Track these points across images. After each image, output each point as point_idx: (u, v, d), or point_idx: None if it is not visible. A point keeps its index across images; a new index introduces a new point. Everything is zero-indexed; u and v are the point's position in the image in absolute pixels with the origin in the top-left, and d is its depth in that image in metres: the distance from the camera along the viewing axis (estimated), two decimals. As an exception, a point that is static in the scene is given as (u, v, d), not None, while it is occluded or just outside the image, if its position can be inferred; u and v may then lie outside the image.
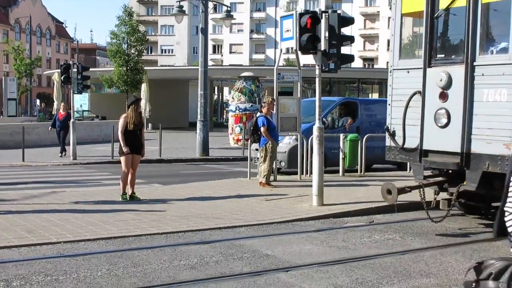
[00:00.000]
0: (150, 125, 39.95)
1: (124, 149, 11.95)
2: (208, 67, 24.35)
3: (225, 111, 59.35)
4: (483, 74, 8.88)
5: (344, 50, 11.64)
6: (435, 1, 9.54)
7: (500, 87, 8.62)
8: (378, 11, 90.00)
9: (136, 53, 44.32)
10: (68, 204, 11.52)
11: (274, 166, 14.83)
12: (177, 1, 25.80)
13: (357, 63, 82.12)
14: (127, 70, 43.04)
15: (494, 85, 8.70)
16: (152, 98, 41.97)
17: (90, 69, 27.42)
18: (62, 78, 21.66)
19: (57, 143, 22.58)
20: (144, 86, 41.92)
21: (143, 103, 35.62)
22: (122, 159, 12.07)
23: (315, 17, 10.99)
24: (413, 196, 10.04)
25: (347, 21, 11.87)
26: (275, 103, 14.80)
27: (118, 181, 12.53)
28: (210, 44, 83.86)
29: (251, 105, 27.04)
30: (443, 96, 9.36)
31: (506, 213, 4.15)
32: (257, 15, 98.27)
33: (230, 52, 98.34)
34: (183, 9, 24.81)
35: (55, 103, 37.50)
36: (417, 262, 7.77)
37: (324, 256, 8.04)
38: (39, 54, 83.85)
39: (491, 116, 8.77)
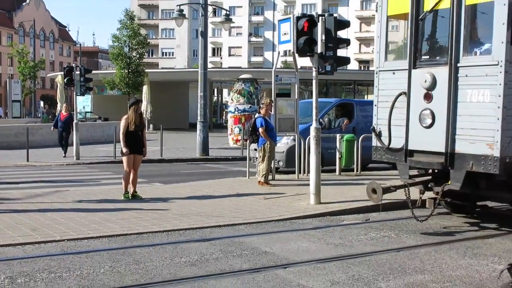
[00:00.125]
0: (151, 126, 39.93)
1: (124, 150, 11.99)
2: (208, 69, 24.36)
3: (224, 112, 59.37)
4: (466, 75, 8.81)
5: (340, 52, 11.61)
6: (420, 3, 9.44)
7: (483, 88, 8.55)
8: (374, 15, 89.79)
9: (138, 56, 44.31)
10: (71, 203, 11.52)
11: (272, 165, 14.84)
12: (177, 5, 25.80)
13: (353, 65, 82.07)
14: (129, 72, 43.02)
15: (478, 86, 8.64)
16: (153, 100, 41.97)
17: (93, 72, 27.37)
18: (65, 80, 21.61)
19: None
20: (145, 88, 41.93)
21: (144, 104, 35.64)
22: (124, 159, 12.07)
23: (312, 21, 11.00)
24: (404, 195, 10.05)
25: (343, 24, 11.86)
26: (273, 104, 14.82)
27: (120, 180, 12.54)
28: (210, 47, 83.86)
29: (250, 107, 27.05)
30: (428, 97, 9.29)
31: None
32: (255, 18, 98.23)
33: (229, 55, 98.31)
34: (183, 13, 24.81)
35: (59, 105, 37.45)
36: (412, 259, 7.77)
37: (321, 253, 8.04)
38: (43, 57, 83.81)
39: (475, 117, 8.70)
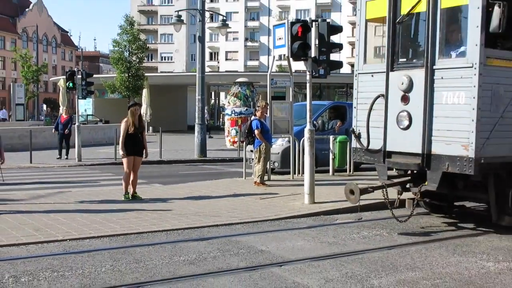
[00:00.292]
0: (151, 128, 39.85)
1: (121, 152, 12.00)
2: (205, 73, 24.36)
3: (221, 114, 59.32)
4: (442, 78, 8.71)
5: (333, 56, 11.61)
6: (397, 6, 9.32)
7: (458, 90, 8.47)
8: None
9: (137, 60, 44.25)
10: (73, 203, 11.50)
11: (268, 166, 14.84)
12: (175, 11, 25.78)
13: (346, 69, 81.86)
14: (129, 76, 42.96)
15: (453, 88, 8.55)
16: (153, 103, 41.91)
17: (94, 76, 27.33)
18: (67, 84, 21.59)
19: (63, 146, 22.34)
20: (145, 92, 41.86)
21: (144, 107, 35.58)
22: (124, 160, 12.05)
23: (305, 26, 11.01)
24: (393, 194, 10.05)
25: (336, 29, 11.86)
26: (268, 107, 14.82)
27: (120, 181, 12.51)
28: (207, 51, 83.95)
29: (246, 109, 27.00)
30: (405, 99, 9.18)
31: None
32: (251, 24, 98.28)
33: (226, 59, 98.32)
34: (182, 18, 24.76)
35: (61, 108, 37.38)
36: (403, 256, 7.78)
37: (315, 251, 8.03)
38: (46, 61, 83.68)
39: (450, 118, 8.60)
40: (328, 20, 11.48)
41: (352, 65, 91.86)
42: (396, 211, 9.65)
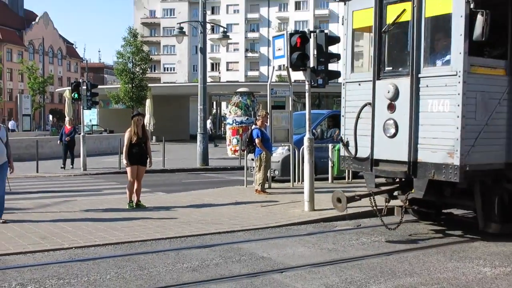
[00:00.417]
0: (154, 137, 39.83)
1: (124, 161, 12.01)
2: (207, 83, 24.37)
3: (223, 124, 59.33)
4: (427, 86, 8.61)
5: (332, 66, 11.60)
6: (382, 16, 9.24)
7: (443, 97, 8.36)
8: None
9: (141, 71, 44.31)
10: (78, 212, 11.49)
11: (268, 174, 14.83)
12: (178, 23, 25.84)
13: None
14: (133, 87, 43.01)
15: (438, 96, 8.43)
16: (156, 113, 41.87)
17: (99, 87, 27.39)
18: (72, 95, 21.59)
19: (68, 155, 22.33)
20: (148, 102, 41.82)
21: (147, 117, 35.58)
22: (128, 169, 12.05)
23: (304, 37, 11.01)
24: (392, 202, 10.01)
25: (334, 40, 11.86)
26: (268, 116, 14.82)
27: (125, 190, 12.51)
28: (209, 62, 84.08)
29: (247, 118, 27.03)
30: (391, 107, 9.08)
31: None
32: (251, 35, 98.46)
33: (227, 70, 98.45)
34: (184, 30, 24.82)
35: (67, 118, 37.43)
36: (402, 262, 7.75)
37: (315, 257, 8.01)
38: (51, 73, 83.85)
39: (436, 126, 8.48)
40: (326, 31, 11.48)
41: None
42: (386, 219, 9.58)
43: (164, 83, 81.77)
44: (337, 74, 12.17)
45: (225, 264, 7.58)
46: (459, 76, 8.11)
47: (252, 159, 14.82)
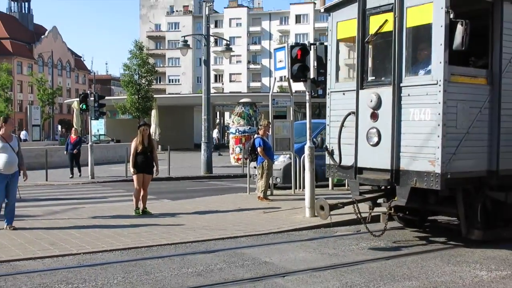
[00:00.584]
0: (159, 146, 39.76)
1: (131, 170, 12.02)
2: (211, 94, 24.38)
3: (226, 133, 59.35)
4: (409, 95, 8.49)
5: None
6: (365, 27, 9.15)
7: (424, 106, 8.23)
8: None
9: (147, 83, 44.40)
10: (87, 218, 11.49)
11: (270, 182, 14.81)
12: (182, 36, 25.91)
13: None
14: (139, 98, 43.07)
15: (419, 104, 8.30)
16: (161, 123, 41.93)
17: (106, 98, 27.44)
18: (81, 106, 21.66)
19: (74, 165, 22.31)
20: (154, 112, 41.92)
21: (153, 127, 35.62)
22: (134, 177, 12.06)
23: (304, 49, 11.02)
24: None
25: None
26: (270, 125, 14.83)
27: (131, 197, 12.50)
28: (212, 74, 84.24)
29: (249, 128, 27.02)
30: (374, 116, 8.95)
31: None
32: (253, 47, 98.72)
33: (230, 81, 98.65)
34: (188, 43, 24.87)
35: (72, 129, 37.52)
36: (400, 266, 7.73)
37: (316, 262, 7.99)
38: (60, 84, 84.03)
39: (417, 134, 8.33)
40: (325, 43, 11.49)
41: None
42: (373, 225, 9.53)
43: (169, 94, 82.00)
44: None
45: (229, 269, 7.56)
46: (440, 85, 8.00)
47: (255, 167, 14.81)
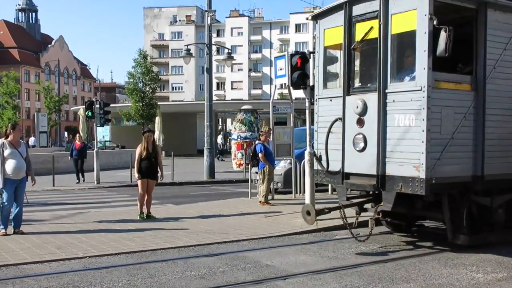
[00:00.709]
0: (163, 152, 39.80)
1: (136, 175, 12.01)
2: (213, 101, 24.41)
3: (228, 139, 59.36)
4: (394, 101, 8.37)
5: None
6: (351, 34, 9.05)
7: (409, 112, 8.11)
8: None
9: (150, 90, 44.46)
10: (92, 223, 11.47)
11: (271, 187, 14.80)
12: (185, 45, 25.95)
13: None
14: (143, 105, 43.13)
15: (404, 110, 8.19)
16: (165, 129, 41.88)
17: (111, 105, 27.51)
18: (86, 113, 21.68)
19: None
20: (157, 119, 41.89)
21: (157, 133, 35.61)
22: (139, 182, 12.05)
23: (304, 57, 11.04)
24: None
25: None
26: (271, 132, 14.83)
27: (136, 202, 12.49)
28: (214, 81, 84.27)
29: (251, 134, 26.98)
30: (360, 122, 8.86)
31: None
32: (254, 56, 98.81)
33: (232, 88, 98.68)
34: (191, 52, 24.93)
35: (77, 135, 37.53)
36: (399, 269, 7.71)
37: (316, 265, 7.97)
38: (66, 92, 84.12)
39: (402, 140, 8.21)
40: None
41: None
42: (363, 230, 9.50)
43: (172, 101, 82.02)
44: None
45: (231, 272, 7.55)
46: (424, 91, 7.91)
47: (256, 172, 14.81)
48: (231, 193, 18.12)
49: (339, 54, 9.66)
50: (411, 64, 8.36)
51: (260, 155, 14.00)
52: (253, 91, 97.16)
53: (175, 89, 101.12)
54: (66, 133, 71.25)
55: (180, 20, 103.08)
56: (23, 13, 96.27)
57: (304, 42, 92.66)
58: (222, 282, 7.02)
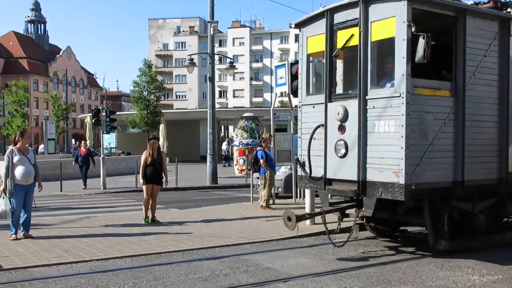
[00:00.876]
0: (167, 158, 39.77)
1: (141, 181, 12.00)
2: (216, 109, 24.42)
3: (230, 145, 59.31)
4: (374, 107, 8.23)
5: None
6: (333, 41, 8.91)
7: (388, 118, 7.97)
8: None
9: (155, 98, 44.58)
10: (99, 227, 11.45)
11: (272, 191, 14.78)
12: (188, 55, 25.99)
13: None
14: (148, 113, 43.21)
15: (384, 117, 8.05)
16: (169, 136, 41.89)
17: (117, 113, 27.48)
18: (93, 120, 21.71)
19: (88, 176, 22.28)
20: (162, 126, 41.88)
21: (161, 140, 35.62)
22: (144, 188, 12.03)
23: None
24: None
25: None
26: (272, 138, 14.83)
27: (141, 207, 12.47)
28: (217, 90, 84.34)
29: (252, 141, 26.98)
30: (342, 128, 8.72)
31: None
32: (255, 65, 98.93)
33: (234, 96, 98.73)
34: (194, 61, 24.93)
35: (88, 142, 37.50)
36: (396, 271, 7.68)
37: (317, 268, 7.95)
38: (74, 101, 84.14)
39: (382, 146, 8.06)
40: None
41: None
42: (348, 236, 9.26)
43: (176, 109, 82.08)
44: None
45: (234, 275, 7.52)
46: (403, 97, 7.77)
47: (258, 178, 14.79)
48: (233, 198, 18.10)
49: (321, 61, 9.53)
50: (390, 70, 8.21)
51: (261, 161, 13.99)
52: (254, 99, 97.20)
53: (179, 97, 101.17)
54: (73, 140, 71.27)
55: (183, 31, 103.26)
56: (32, 24, 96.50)
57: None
58: (224, 285, 6.99)
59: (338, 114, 8.76)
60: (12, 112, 60.30)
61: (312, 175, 9.40)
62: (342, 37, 8.84)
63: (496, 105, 8.89)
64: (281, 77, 12.94)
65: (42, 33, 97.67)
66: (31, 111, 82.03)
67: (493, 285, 7.01)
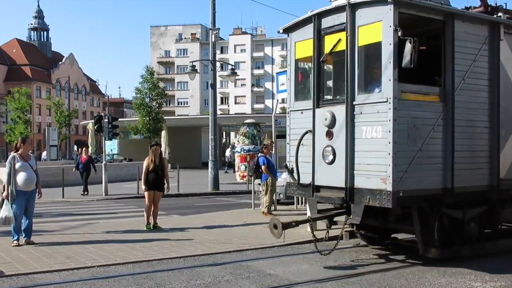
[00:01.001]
0: (169, 165, 39.75)
1: (143, 187, 11.97)
2: (217, 115, 24.43)
3: (232, 152, 59.29)
4: (361, 113, 8.07)
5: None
6: (321, 46, 8.80)
7: (375, 124, 7.81)
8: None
9: (157, 105, 44.61)
10: (100, 233, 11.42)
11: (274, 198, 14.74)
12: (190, 62, 26.03)
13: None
14: (150, 119, 43.24)
15: (371, 122, 7.89)
16: (171, 143, 41.94)
17: (119, 120, 27.51)
18: (95, 127, 21.73)
19: (90, 182, 22.27)
20: (164, 133, 41.97)
21: (163, 147, 35.61)
22: (146, 194, 12.01)
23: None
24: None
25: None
26: (273, 145, 14.81)
27: (143, 213, 12.44)
28: (218, 96, 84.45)
29: (254, 147, 26.96)
30: (329, 134, 8.57)
31: None
32: (257, 72, 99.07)
33: (235, 103, 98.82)
34: (195, 68, 24.97)
35: (90, 148, 37.48)
36: (399, 278, 7.64)
37: (319, 274, 7.91)
38: (76, 107, 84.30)
39: (370, 152, 7.89)
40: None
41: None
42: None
43: (178, 115, 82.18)
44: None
45: (235, 281, 7.48)
46: (390, 103, 7.61)
47: (259, 184, 14.76)
48: (235, 204, 18.06)
49: (309, 67, 9.42)
50: (377, 75, 8.05)
51: (263, 167, 13.97)
52: (256, 106, 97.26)
53: (181, 104, 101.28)
54: (75, 147, 71.31)
55: (185, 38, 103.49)
56: (35, 32, 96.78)
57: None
58: (226, 291, 6.96)
59: (326, 120, 8.64)
60: (15, 118, 60.41)
61: (301, 181, 9.24)
62: (329, 42, 8.75)
63: (486, 110, 8.74)
64: (282, 84, 12.93)
65: (45, 40, 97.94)
66: (33, 118, 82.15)
67: (496, 291, 6.96)
